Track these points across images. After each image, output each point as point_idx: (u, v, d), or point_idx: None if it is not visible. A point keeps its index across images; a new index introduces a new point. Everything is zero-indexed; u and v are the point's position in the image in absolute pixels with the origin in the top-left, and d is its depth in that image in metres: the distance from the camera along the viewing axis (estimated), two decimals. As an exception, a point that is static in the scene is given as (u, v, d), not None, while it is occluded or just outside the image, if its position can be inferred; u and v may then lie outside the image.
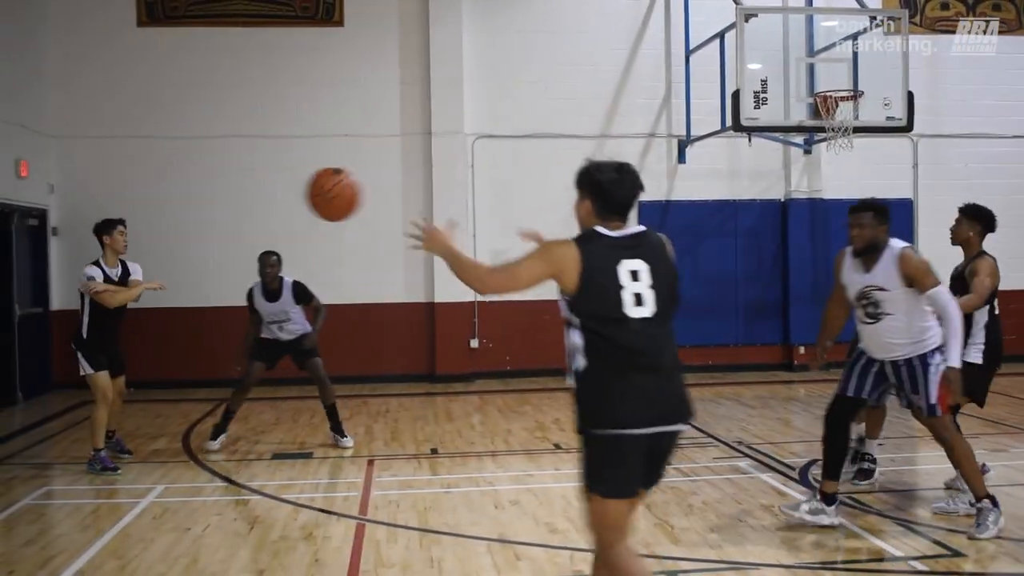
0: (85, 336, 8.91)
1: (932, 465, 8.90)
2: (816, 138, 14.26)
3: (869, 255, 6.45)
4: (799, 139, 14.87)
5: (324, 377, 9.82)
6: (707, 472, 8.48)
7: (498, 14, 15.00)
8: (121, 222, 9.20)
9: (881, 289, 6.37)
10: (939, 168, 15.75)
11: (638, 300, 4.13)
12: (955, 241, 7.73)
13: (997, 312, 7.43)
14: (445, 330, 14.66)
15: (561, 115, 15.03)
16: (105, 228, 9.08)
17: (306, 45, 14.75)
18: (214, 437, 9.82)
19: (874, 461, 8.03)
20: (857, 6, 13.48)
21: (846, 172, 15.03)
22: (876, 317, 6.41)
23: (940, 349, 6.29)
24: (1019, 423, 10.57)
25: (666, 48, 15.28)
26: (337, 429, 9.96)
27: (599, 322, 4.12)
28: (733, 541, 6.41)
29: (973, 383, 7.03)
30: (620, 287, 4.13)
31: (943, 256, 15.51)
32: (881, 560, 6.01)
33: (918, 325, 6.33)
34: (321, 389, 9.84)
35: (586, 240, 4.25)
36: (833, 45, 13.26)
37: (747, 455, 9.14)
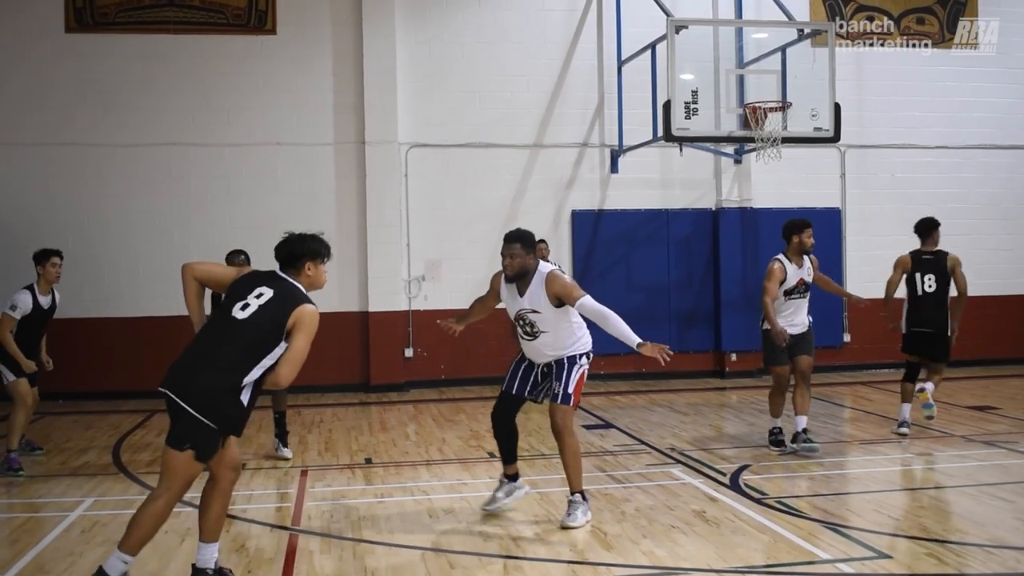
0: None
1: (861, 470, 9.07)
2: (746, 148, 14.47)
3: (521, 280, 7.20)
4: (729, 149, 15.07)
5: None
6: (640, 479, 8.55)
7: (432, 24, 15.02)
8: (57, 253, 9.41)
9: (534, 311, 7.11)
10: (866, 177, 16.07)
11: None
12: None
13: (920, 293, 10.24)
14: (379, 340, 14.62)
15: (495, 125, 15.09)
16: (39, 258, 9.40)
17: (238, 53, 14.64)
18: (284, 443, 9.80)
19: (780, 433, 9.61)
20: (785, 19, 13.70)
21: (776, 181, 15.30)
22: (534, 335, 7.20)
23: (588, 353, 7.29)
24: (947, 428, 10.80)
25: (599, 59, 15.41)
26: (281, 437, 9.84)
27: None
28: (665, 547, 6.48)
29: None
30: None
31: (870, 259, 16.07)
32: (811, 563, 6.11)
33: (565, 341, 7.20)
34: (276, 396, 9.71)
35: None
36: (762, 57, 13.46)
37: (680, 461, 9.23)
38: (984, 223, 15.80)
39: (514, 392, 7.41)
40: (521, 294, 7.19)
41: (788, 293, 9.50)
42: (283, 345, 5.69)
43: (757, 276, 15.34)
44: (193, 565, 5.72)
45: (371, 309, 14.61)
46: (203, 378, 5.33)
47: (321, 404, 13.45)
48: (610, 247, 15.31)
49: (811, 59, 13.11)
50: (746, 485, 8.16)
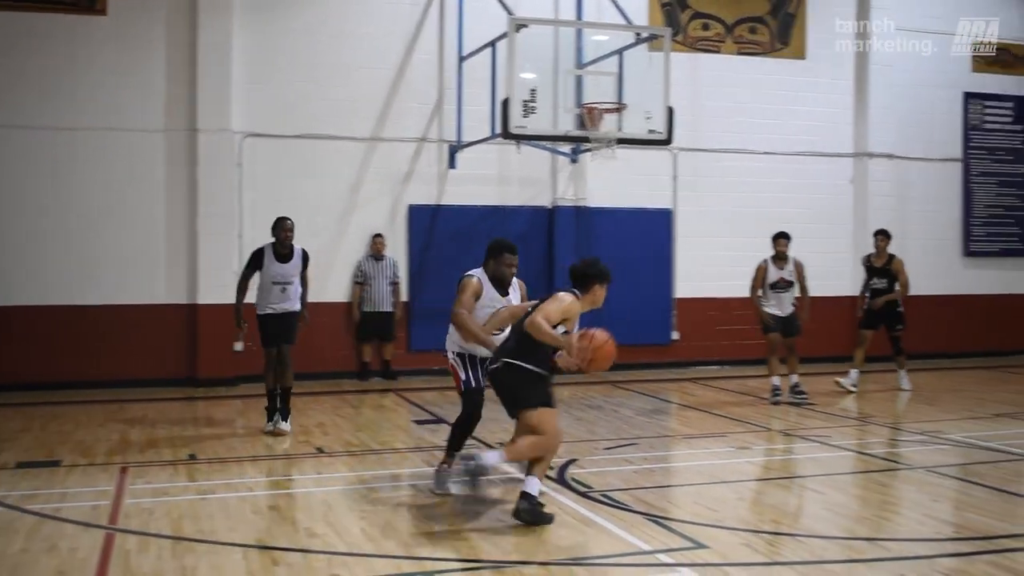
0: None
1: (684, 463, 9.33)
2: (582, 148, 14.65)
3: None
4: (566, 148, 15.24)
5: (289, 362, 10.60)
6: (469, 474, 8.57)
7: (271, 11, 14.71)
8: None
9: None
10: (697, 180, 16.49)
11: None
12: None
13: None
14: (208, 332, 14.23)
15: (333, 116, 14.89)
16: None
17: (66, 34, 13.97)
18: (284, 417, 10.53)
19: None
20: (624, 22, 13.95)
21: (610, 181, 15.56)
22: (502, 330, 7.73)
23: None
24: (765, 423, 11.18)
25: (440, 54, 15.39)
26: (283, 412, 10.55)
27: None
28: (492, 540, 6.52)
29: None
30: None
31: (699, 259, 16.51)
32: (632, 554, 6.24)
33: None
34: (285, 372, 10.53)
35: None
36: (601, 59, 13.66)
37: (509, 456, 9.28)
38: (807, 227, 16.37)
39: (482, 384, 7.86)
40: (504, 295, 7.93)
41: (773, 287, 12.64)
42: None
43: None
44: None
45: (200, 301, 14.22)
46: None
47: (145, 399, 13.02)
48: (447, 242, 15.31)
49: (647, 63, 13.35)
50: (572, 479, 8.28)
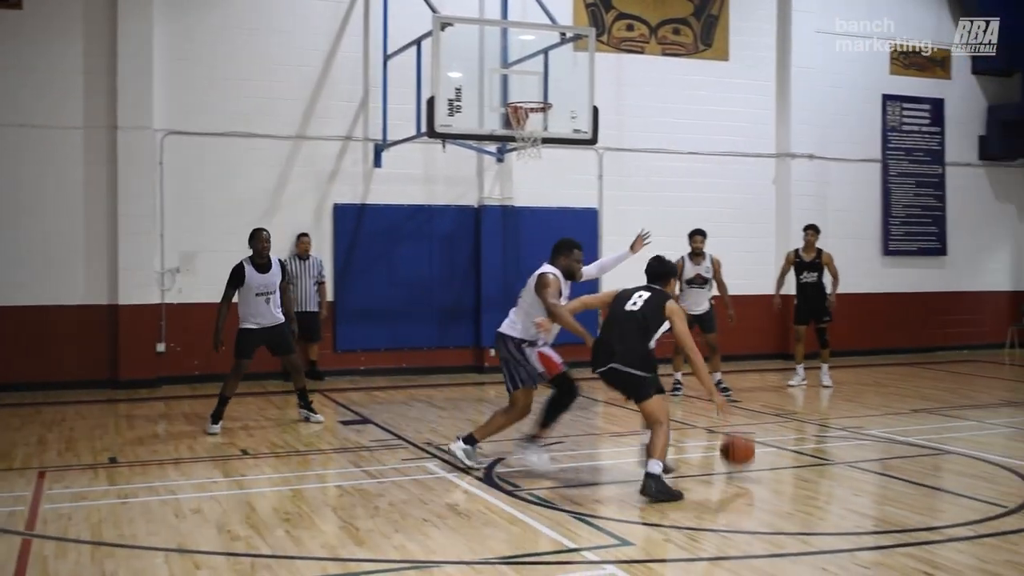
0: None
1: (611, 461, 9.37)
2: (508, 147, 14.68)
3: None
4: (492, 147, 15.25)
5: (299, 366, 11.31)
6: (395, 474, 8.54)
7: (191, 7, 14.49)
8: None
9: (568, 299, 8.54)
10: (622, 180, 16.62)
11: None
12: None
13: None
14: (129, 333, 13.98)
15: (257, 114, 14.72)
16: None
17: (-23, 28, 13.70)
18: (215, 422, 10.63)
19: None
20: (549, 22, 13.98)
21: (536, 181, 15.61)
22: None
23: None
24: (678, 419, 11.29)
25: (364, 52, 15.29)
26: (308, 407, 11.19)
27: None
28: (418, 541, 6.49)
29: None
30: None
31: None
32: (558, 552, 6.25)
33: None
34: (298, 377, 11.18)
35: None
36: (526, 58, 13.66)
37: (436, 456, 9.27)
38: (730, 226, 16.61)
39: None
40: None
41: (689, 283, 12.91)
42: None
43: (517, 273, 15.64)
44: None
45: (121, 302, 13.97)
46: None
47: (63, 401, 12.76)
48: (373, 242, 15.23)
49: (572, 63, 13.41)
50: (500, 478, 8.28)
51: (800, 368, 14.17)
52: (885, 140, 18.67)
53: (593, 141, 13.24)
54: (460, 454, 8.59)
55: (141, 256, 14.03)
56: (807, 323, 14.13)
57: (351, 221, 15.11)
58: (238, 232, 14.34)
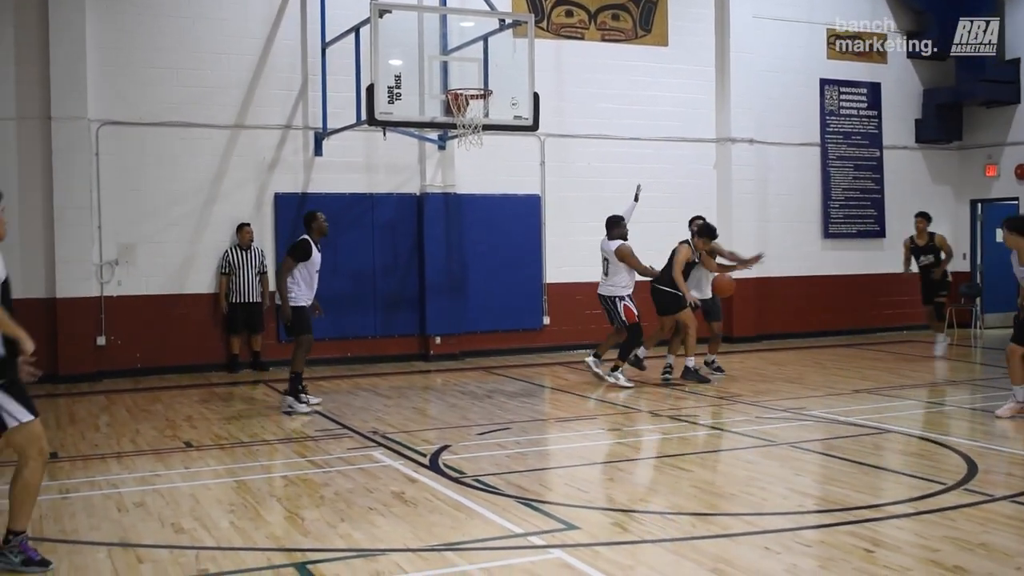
0: None
1: (556, 446, 9.41)
2: (449, 134, 14.63)
3: None
4: (433, 135, 15.19)
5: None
6: (340, 463, 8.50)
7: (125, -5, 14.29)
8: None
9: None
10: (564, 166, 16.64)
11: None
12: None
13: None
14: (68, 327, 13.78)
15: (194, 103, 14.54)
16: None
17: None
18: (300, 400, 11.11)
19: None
20: (487, 8, 13.95)
21: (478, 168, 15.59)
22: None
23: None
24: (635, 404, 11.37)
25: (303, 39, 15.15)
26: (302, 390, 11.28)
27: None
28: (363, 529, 6.47)
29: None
30: None
31: (567, 244, 16.65)
32: (503, 538, 6.27)
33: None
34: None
35: None
36: (466, 45, 13.63)
37: (381, 444, 9.25)
38: (672, 211, 16.67)
39: None
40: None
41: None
42: None
43: (461, 260, 15.67)
44: None
45: (59, 295, 13.75)
46: None
47: (2, 397, 12.54)
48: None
49: (512, 49, 13.38)
50: (445, 465, 8.28)
51: (940, 336, 15.38)
52: (824, 124, 18.88)
53: (534, 128, 13.23)
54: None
55: (79, 248, 13.82)
56: (931, 301, 15.22)
57: (292, 210, 14.97)
58: (178, 223, 14.27)
